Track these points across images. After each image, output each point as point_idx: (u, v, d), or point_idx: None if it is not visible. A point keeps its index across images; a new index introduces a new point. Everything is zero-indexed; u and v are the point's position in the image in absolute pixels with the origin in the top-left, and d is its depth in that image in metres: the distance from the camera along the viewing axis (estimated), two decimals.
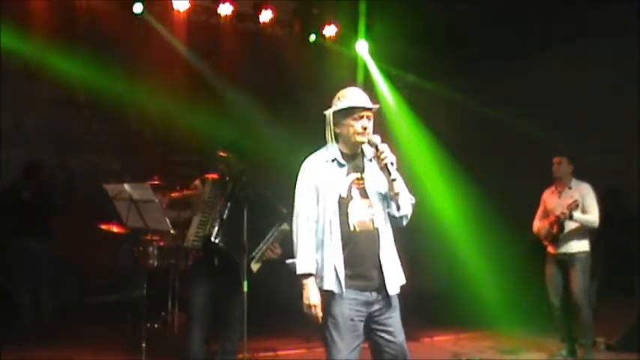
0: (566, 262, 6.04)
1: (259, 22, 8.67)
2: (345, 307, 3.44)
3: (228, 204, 4.78)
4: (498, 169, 8.91)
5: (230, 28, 8.64)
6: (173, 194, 5.33)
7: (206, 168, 5.23)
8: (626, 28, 7.96)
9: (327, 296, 3.45)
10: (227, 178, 4.87)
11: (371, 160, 3.63)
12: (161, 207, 5.01)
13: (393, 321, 3.54)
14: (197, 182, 5.02)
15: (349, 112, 3.55)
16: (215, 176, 4.93)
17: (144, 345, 5.21)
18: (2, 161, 7.65)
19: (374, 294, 3.50)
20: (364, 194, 3.55)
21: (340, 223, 3.48)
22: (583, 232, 5.99)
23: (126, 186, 5.01)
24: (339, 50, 9.26)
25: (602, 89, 8.21)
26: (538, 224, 6.23)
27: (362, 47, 9.32)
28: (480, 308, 7.36)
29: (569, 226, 5.97)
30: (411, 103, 9.48)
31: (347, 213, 3.50)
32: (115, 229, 6.51)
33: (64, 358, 5.95)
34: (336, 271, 3.44)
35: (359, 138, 3.54)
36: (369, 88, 9.48)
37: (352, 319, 3.45)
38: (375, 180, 3.59)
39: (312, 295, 3.44)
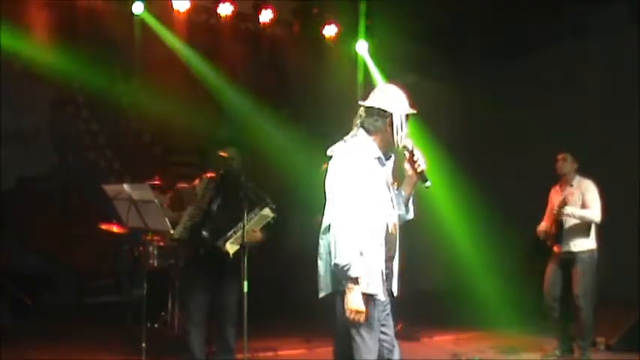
0: (568, 261, 5.97)
1: (259, 22, 8.67)
2: (377, 310, 3.38)
3: (218, 198, 4.87)
4: (498, 169, 8.92)
5: (230, 28, 8.64)
6: (169, 193, 5.36)
7: (206, 168, 5.28)
8: (626, 28, 7.96)
9: (365, 300, 3.29)
10: (220, 173, 4.96)
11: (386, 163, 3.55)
12: (161, 207, 5.02)
13: (390, 318, 3.57)
14: (197, 181, 5.09)
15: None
16: (213, 175, 5.01)
17: (144, 345, 5.20)
18: (2, 161, 7.66)
19: (387, 295, 3.50)
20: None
21: (385, 225, 3.41)
22: (585, 228, 5.90)
23: (125, 186, 5.01)
24: (339, 50, 9.26)
25: (602, 89, 8.21)
26: (542, 224, 6.17)
27: (362, 47, 9.32)
28: (480, 308, 7.36)
29: (570, 222, 5.92)
30: (410, 104, 9.47)
31: (388, 215, 3.45)
32: (115, 229, 6.51)
33: (64, 358, 5.94)
34: (382, 274, 3.36)
35: (400, 140, 3.44)
36: (369, 88, 9.48)
37: (379, 320, 3.43)
38: (391, 182, 3.55)
39: (360, 301, 3.24)
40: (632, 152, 7.70)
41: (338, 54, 9.25)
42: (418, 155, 3.47)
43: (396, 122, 3.41)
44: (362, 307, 3.25)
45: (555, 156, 6.17)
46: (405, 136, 3.46)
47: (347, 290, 3.25)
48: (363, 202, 3.31)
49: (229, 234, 4.76)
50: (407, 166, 3.52)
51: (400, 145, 3.45)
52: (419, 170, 3.46)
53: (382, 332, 3.49)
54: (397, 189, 3.58)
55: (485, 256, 8.27)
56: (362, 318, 3.26)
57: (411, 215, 3.63)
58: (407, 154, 3.50)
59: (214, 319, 5.01)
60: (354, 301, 3.24)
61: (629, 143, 7.81)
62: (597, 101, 8.22)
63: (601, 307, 6.14)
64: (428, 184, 3.46)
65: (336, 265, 3.25)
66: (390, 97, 3.51)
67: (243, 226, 4.65)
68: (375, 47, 9.32)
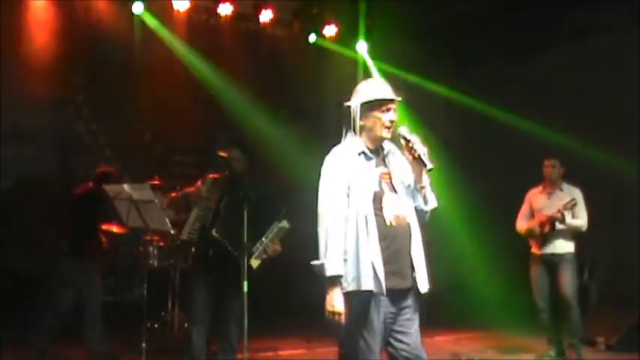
0: (553, 262, 6.06)
1: (259, 22, 8.68)
2: (381, 310, 3.26)
3: (225, 198, 4.86)
4: (498, 169, 8.92)
5: (230, 28, 8.65)
6: (172, 194, 5.35)
7: (207, 168, 5.26)
8: (626, 28, 7.96)
9: (364, 298, 3.23)
10: (226, 174, 4.93)
11: (388, 154, 3.52)
12: (161, 207, 5.02)
13: (414, 324, 3.41)
14: (199, 183, 5.07)
15: (376, 104, 3.43)
16: (217, 176, 4.99)
17: (144, 345, 5.21)
18: (2, 161, 7.65)
19: (406, 293, 3.39)
20: (392, 188, 3.43)
21: (376, 219, 3.31)
22: (571, 233, 6.05)
23: (125, 186, 5.02)
24: (339, 50, 9.26)
25: (602, 89, 8.21)
26: (523, 223, 6.23)
27: (362, 47, 9.32)
28: (480, 308, 7.36)
29: (559, 226, 6.00)
30: (410, 103, 9.48)
31: (381, 208, 3.34)
32: (115, 229, 6.50)
33: (64, 358, 5.94)
34: (374, 269, 3.23)
35: (385, 132, 3.44)
36: None
37: (385, 322, 3.30)
38: (399, 174, 3.49)
39: (338, 302, 3.22)
40: (632, 152, 7.69)
41: (338, 54, 9.26)
42: (414, 141, 3.44)
43: (353, 113, 3.45)
44: (339, 309, 3.22)
45: (551, 157, 6.23)
46: (389, 125, 3.45)
47: (326, 290, 3.23)
48: (340, 200, 3.31)
49: (255, 250, 4.74)
50: (406, 154, 3.49)
51: (388, 136, 3.46)
52: (416, 155, 3.42)
53: (399, 340, 3.35)
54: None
55: (485, 256, 8.27)
56: (341, 319, 3.22)
57: (430, 205, 3.55)
58: (403, 142, 3.47)
59: (218, 319, 5.01)
60: (331, 302, 3.23)
61: (629, 143, 7.80)
62: (597, 101, 8.22)
63: (601, 307, 6.16)
64: (429, 166, 3.41)
65: (312, 265, 3.26)
66: (356, 93, 3.54)
67: (246, 226, 4.64)
68: (375, 47, 9.32)
